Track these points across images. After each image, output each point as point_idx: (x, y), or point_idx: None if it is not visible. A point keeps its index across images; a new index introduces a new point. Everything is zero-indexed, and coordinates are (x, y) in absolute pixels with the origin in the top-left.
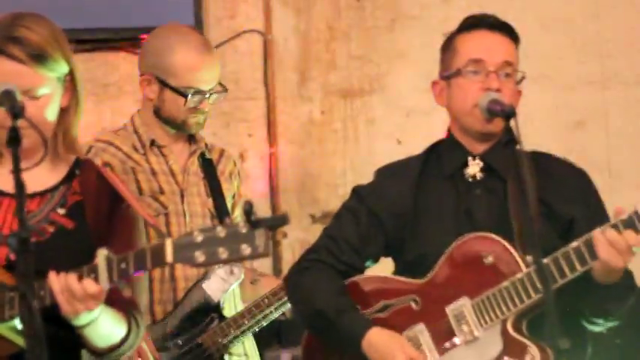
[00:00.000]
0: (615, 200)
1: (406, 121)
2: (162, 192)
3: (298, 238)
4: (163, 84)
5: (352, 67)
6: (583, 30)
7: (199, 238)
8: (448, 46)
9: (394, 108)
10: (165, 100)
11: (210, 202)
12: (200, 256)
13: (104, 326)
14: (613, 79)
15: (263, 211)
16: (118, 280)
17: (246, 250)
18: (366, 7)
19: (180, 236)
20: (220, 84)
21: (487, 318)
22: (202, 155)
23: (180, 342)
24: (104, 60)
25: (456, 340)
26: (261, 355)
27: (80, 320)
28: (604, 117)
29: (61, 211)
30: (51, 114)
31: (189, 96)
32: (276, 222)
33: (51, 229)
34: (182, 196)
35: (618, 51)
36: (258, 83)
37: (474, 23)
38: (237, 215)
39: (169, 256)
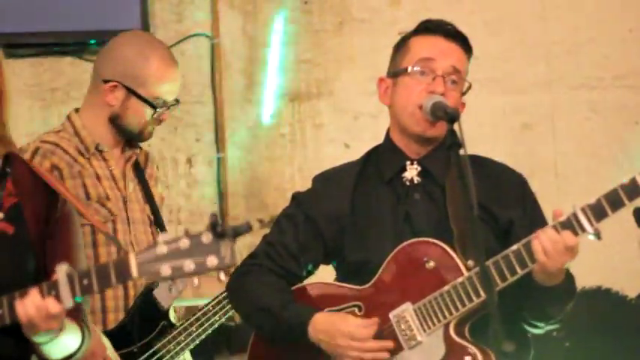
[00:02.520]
0: (562, 202)
1: (354, 125)
2: (108, 198)
3: (246, 243)
4: (131, 93)
5: (300, 70)
6: (530, 33)
7: (163, 250)
8: (401, 46)
9: (342, 112)
10: (128, 109)
11: (147, 208)
12: (166, 270)
13: (61, 340)
14: (559, 81)
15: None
16: (81, 297)
17: (212, 261)
18: (313, 11)
19: (143, 249)
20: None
21: (429, 322)
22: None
23: (135, 350)
24: (50, 65)
25: (400, 345)
26: None
27: (40, 338)
28: (551, 119)
29: None
30: None
31: (157, 108)
32: (241, 231)
33: None
34: (125, 203)
35: (564, 53)
36: (205, 87)
37: (431, 28)
38: None
39: (134, 271)
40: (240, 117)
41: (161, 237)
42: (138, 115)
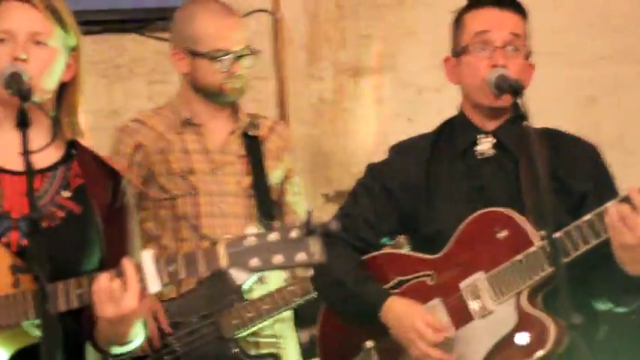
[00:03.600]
0: (628, 176)
1: (417, 99)
2: (192, 171)
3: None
4: (193, 53)
5: (362, 45)
6: (593, 5)
7: (252, 242)
8: (457, 23)
9: (405, 86)
10: (197, 70)
11: (247, 180)
12: (255, 262)
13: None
14: (624, 54)
15: None
16: (168, 283)
17: (302, 257)
18: None
19: (232, 240)
20: (249, 47)
21: (501, 292)
22: (246, 134)
23: (194, 319)
24: (114, 42)
25: (471, 314)
26: None
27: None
28: (616, 93)
29: (66, 193)
30: (54, 74)
31: (219, 58)
32: (330, 229)
33: (61, 214)
34: (214, 175)
35: (628, 26)
36: (267, 63)
37: (482, 0)
38: (293, 192)
39: (223, 262)
40: (303, 92)
41: (250, 229)
42: (207, 72)
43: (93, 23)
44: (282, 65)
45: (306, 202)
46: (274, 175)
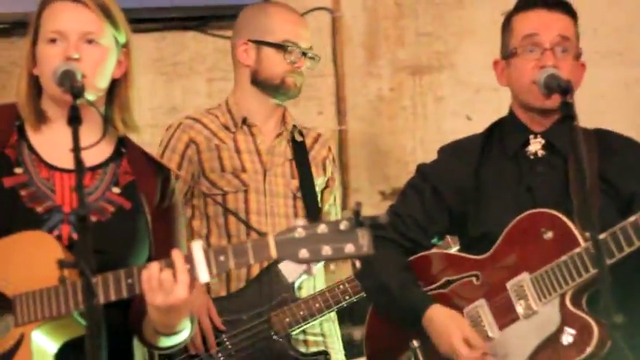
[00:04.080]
0: None
1: (475, 98)
2: (244, 170)
3: (368, 214)
4: (261, 43)
5: (421, 43)
6: None
7: (301, 234)
8: (506, 26)
9: (463, 84)
10: (263, 60)
11: (294, 182)
12: (304, 253)
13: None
14: None
15: None
16: (217, 273)
17: (350, 248)
18: None
19: (281, 232)
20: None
21: (546, 292)
22: (292, 138)
23: (244, 317)
24: (173, 39)
25: (516, 314)
26: None
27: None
28: None
29: (116, 190)
30: (106, 71)
31: (288, 48)
32: (379, 222)
33: (111, 209)
34: (264, 175)
35: None
36: (326, 61)
37: (530, 2)
38: (329, 203)
39: (273, 252)
40: (361, 90)
41: (299, 221)
42: (272, 63)
43: (154, 21)
44: (341, 63)
45: (340, 214)
46: (316, 182)
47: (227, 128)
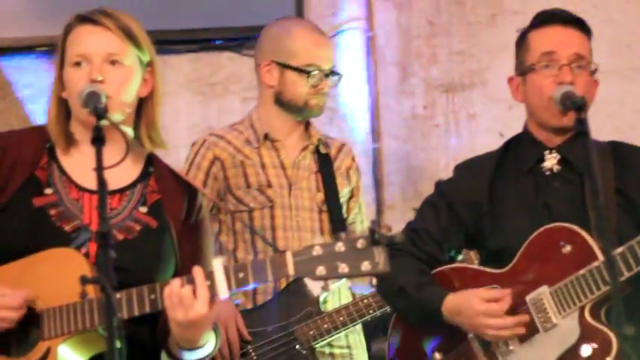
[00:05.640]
0: None
1: (508, 115)
2: (269, 185)
3: (398, 229)
4: (284, 66)
5: (453, 61)
6: None
7: (319, 252)
8: (521, 43)
9: (496, 102)
10: (286, 83)
11: (319, 196)
12: (321, 270)
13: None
14: None
15: (367, 204)
16: (236, 290)
17: (367, 266)
18: (466, 3)
19: (300, 250)
20: (335, 68)
21: (565, 306)
22: (317, 150)
23: (270, 329)
24: (209, 60)
25: (536, 327)
26: (367, 346)
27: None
28: None
29: (143, 209)
30: (131, 90)
31: (311, 73)
32: (395, 240)
33: (138, 227)
34: (290, 190)
35: None
36: (360, 79)
37: (547, 19)
38: (355, 212)
39: (291, 269)
40: (395, 108)
41: (317, 240)
42: (296, 86)
43: (190, 42)
44: (375, 81)
45: (366, 222)
46: (342, 193)
47: (250, 143)
